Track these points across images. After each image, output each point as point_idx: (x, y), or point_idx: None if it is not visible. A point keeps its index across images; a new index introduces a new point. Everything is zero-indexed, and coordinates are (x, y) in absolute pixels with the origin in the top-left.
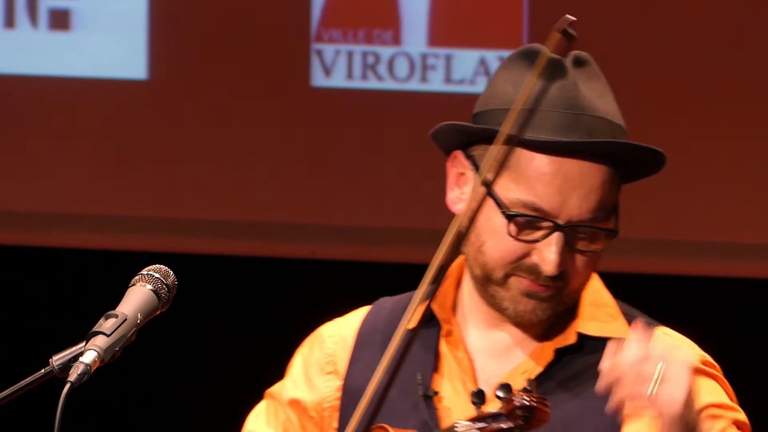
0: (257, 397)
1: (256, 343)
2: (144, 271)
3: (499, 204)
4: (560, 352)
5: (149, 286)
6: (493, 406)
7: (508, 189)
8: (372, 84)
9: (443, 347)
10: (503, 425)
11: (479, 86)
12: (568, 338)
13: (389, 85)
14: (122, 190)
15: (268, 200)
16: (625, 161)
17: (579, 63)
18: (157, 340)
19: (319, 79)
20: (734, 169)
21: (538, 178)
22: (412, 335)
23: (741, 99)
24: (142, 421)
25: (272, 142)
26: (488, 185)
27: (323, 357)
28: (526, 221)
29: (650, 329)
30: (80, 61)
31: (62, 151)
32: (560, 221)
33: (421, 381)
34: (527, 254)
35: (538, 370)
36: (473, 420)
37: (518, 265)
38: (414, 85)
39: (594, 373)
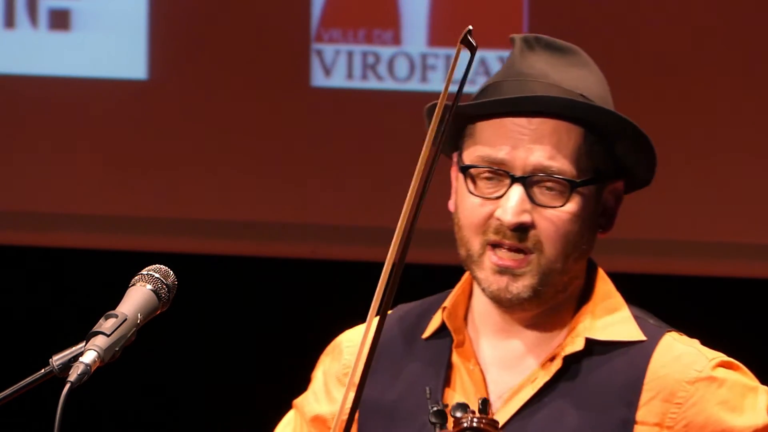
0: (255, 397)
1: (256, 343)
2: (144, 271)
3: (459, 164)
4: (568, 360)
5: (149, 286)
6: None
7: (471, 152)
8: (372, 84)
9: (455, 358)
10: None
11: (479, 86)
12: (576, 345)
13: (389, 85)
14: (122, 190)
15: (268, 200)
16: (587, 125)
17: (544, 45)
18: (157, 340)
19: (319, 79)
20: (735, 169)
21: (491, 132)
22: (425, 346)
23: (742, 98)
24: (141, 421)
25: (272, 142)
26: (459, 156)
27: (341, 369)
28: (486, 177)
29: (660, 334)
30: (80, 61)
31: (62, 151)
32: (516, 172)
33: (429, 394)
34: (492, 215)
35: (546, 378)
36: None
37: (486, 228)
38: (414, 85)
39: (601, 381)
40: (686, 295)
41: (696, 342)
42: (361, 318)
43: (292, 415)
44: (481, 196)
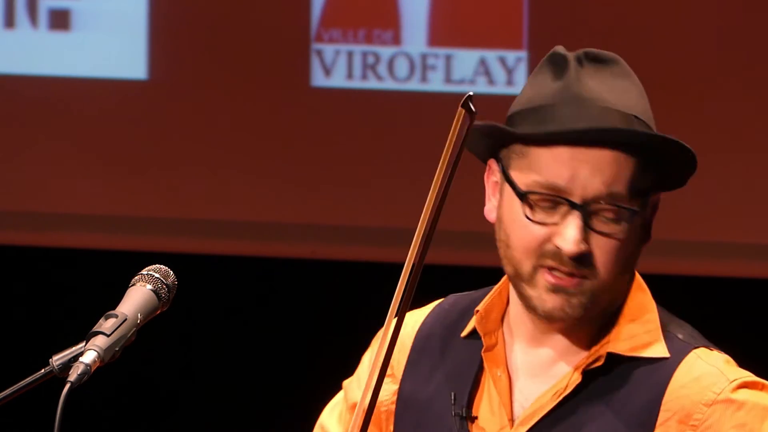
0: (253, 397)
1: (255, 343)
2: (144, 271)
3: (515, 187)
4: (588, 374)
5: (149, 286)
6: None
7: (525, 176)
8: (372, 84)
9: (485, 364)
10: None
11: (479, 86)
12: (597, 359)
13: (389, 85)
14: (122, 190)
15: (268, 200)
16: (643, 150)
17: (591, 59)
18: (157, 340)
19: (319, 79)
20: (735, 169)
21: (550, 159)
22: (462, 345)
23: (742, 98)
24: (140, 421)
25: (272, 142)
26: (506, 173)
27: None
28: (543, 202)
29: (685, 351)
30: (80, 61)
31: (62, 151)
32: (576, 200)
33: (454, 400)
34: (549, 239)
35: (567, 392)
36: None
37: (542, 253)
38: (414, 85)
39: (620, 398)
40: (686, 295)
41: (722, 360)
42: (361, 318)
43: (341, 397)
44: (538, 222)
